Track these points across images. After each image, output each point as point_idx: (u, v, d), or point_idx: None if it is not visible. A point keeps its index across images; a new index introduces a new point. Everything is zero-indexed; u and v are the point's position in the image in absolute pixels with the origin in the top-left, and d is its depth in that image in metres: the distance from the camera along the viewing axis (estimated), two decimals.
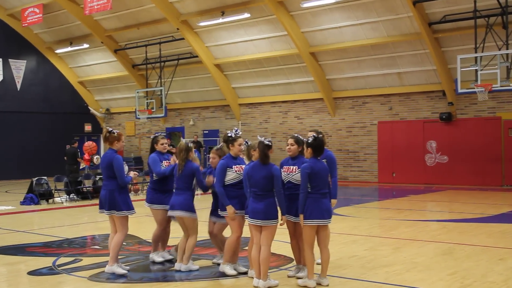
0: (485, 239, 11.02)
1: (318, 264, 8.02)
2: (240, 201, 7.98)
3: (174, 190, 8.55)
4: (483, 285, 7.51)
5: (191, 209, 8.33)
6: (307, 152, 7.54)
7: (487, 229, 12.21)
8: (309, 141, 7.52)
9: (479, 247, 10.10)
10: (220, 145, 8.71)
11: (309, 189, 7.41)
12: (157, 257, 8.95)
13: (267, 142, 7.54)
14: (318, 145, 7.50)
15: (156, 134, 9.17)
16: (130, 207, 8.32)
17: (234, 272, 8.09)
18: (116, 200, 8.18)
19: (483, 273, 8.12)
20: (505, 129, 22.29)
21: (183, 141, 8.62)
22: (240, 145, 8.14)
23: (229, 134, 8.22)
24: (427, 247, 10.14)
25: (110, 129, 8.38)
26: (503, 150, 22.35)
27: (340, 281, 7.75)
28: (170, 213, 8.44)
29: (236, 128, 8.45)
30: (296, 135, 8.03)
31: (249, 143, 8.14)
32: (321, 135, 7.72)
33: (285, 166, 7.96)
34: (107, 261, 9.14)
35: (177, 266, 8.47)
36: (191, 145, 8.50)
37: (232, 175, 8.03)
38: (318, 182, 7.40)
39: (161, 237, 9.01)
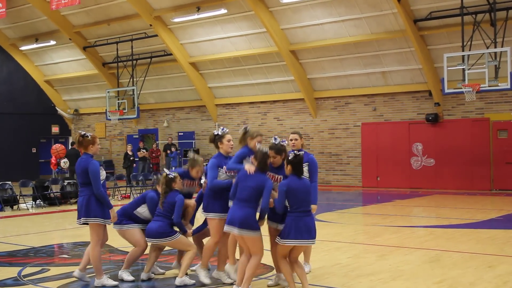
0: (473, 245, 11.11)
1: None
2: (225, 204, 7.97)
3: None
4: None
5: (169, 233, 8.23)
6: (287, 169, 7.51)
7: (476, 235, 12.32)
8: (289, 158, 7.48)
9: (467, 254, 10.19)
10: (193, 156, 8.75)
11: (288, 208, 7.39)
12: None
13: (266, 150, 7.56)
14: (298, 163, 7.46)
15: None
16: (105, 216, 8.15)
17: (208, 281, 8.10)
18: (91, 207, 8.03)
19: (472, 281, 8.20)
20: (494, 131, 22.52)
21: (165, 171, 8.47)
22: (229, 141, 8.19)
23: (216, 133, 8.29)
24: (413, 255, 10.20)
25: (83, 132, 8.25)
26: (491, 153, 22.57)
27: None
28: (148, 240, 8.40)
29: (222, 127, 8.48)
30: (281, 142, 8.01)
31: (247, 128, 8.12)
32: (303, 152, 7.72)
33: (269, 173, 7.96)
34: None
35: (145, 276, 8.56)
36: (173, 175, 8.37)
37: (222, 176, 8.04)
38: (295, 200, 7.35)
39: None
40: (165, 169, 8.66)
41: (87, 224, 8.10)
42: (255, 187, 7.40)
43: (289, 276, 7.48)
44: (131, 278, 8.48)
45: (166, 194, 8.33)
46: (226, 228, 7.54)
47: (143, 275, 8.54)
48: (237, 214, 7.39)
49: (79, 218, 8.16)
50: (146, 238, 8.35)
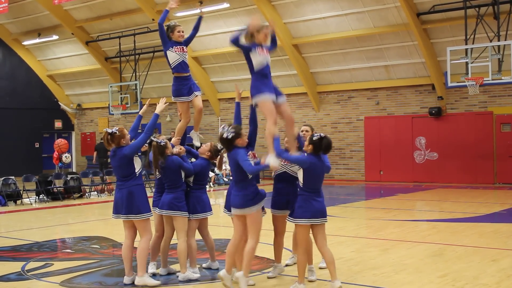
0: (477, 239, 11.11)
1: (320, 268, 8.41)
2: None
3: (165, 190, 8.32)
4: (475, 287, 7.59)
5: (181, 208, 8.18)
6: (308, 148, 7.44)
7: (479, 229, 12.31)
8: (313, 138, 7.41)
9: (471, 248, 10.19)
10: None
11: (301, 185, 7.40)
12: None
13: (228, 134, 7.55)
14: (319, 146, 7.36)
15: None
16: (149, 209, 7.95)
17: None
18: (134, 202, 7.78)
19: (475, 275, 8.20)
20: (497, 125, 22.48)
21: (153, 139, 8.35)
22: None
23: (226, 136, 7.93)
24: (416, 248, 10.21)
25: (110, 130, 7.97)
26: (495, 147, 22.53)
27: (326, 284, 7.77)
28: (158, 212, 8.28)
29: (223, 126, 8.23)
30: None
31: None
32: (328, 136, 7.57)
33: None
34: (80, 265, 9.13)
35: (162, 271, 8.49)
36: (163, 142, 8.25)
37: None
38: (311, 180, 7.38)
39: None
40: (152, 138, 8.40)
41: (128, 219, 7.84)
42: (234, 164, 7.50)
43: (302, 269, 7.47)
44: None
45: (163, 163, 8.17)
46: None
47: (163, 270, 8.51)
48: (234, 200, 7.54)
49: (117, 213, 7.91)
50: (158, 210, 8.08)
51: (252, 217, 7.43)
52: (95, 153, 27.02)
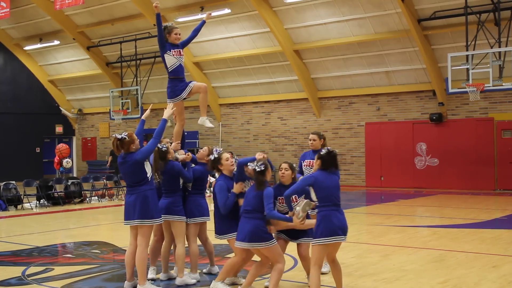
0: (477, 245, 11.10)
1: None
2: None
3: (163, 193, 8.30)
4: None
5: (179, 212, 8.16)
6: (316, 164, 7.28)
7: (480, 235, 12.30)
8: (321, 153, 7.23)
9: (472, 254, 10.18)
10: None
11: (317, 203, 7.14)
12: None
13: (259, 168, 7.33)
14: (328, 159, 7.21)
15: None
16: (160, 214, 7.92)
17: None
18: (149, 207, 7.67)
19: (476, 281, 8.19)
20: (498, 131, 22.48)
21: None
22: (227, 160, 7.99)
23: (212, 157, 8.11)
24: (417, 254, 10.20)
25: (119, 136, 7.86)
26: (495, 153, 22.53)
27: None
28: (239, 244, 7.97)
29: (215, 148, 8.30)
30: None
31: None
32: (336, 151, 7.45)
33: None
34: (81, 270, 9.13)
35: (162, 276, 8.48)
36: (165, 148, 8.24)
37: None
38: (325, 193, 7.08)
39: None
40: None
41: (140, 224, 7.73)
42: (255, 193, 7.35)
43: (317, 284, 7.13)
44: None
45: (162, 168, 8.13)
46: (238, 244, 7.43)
47: (163, 275, 8.52)
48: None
49: (129, 219, 7.74)
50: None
51: (266, 251, 7.34)
52: (110, 158, 27.15)
